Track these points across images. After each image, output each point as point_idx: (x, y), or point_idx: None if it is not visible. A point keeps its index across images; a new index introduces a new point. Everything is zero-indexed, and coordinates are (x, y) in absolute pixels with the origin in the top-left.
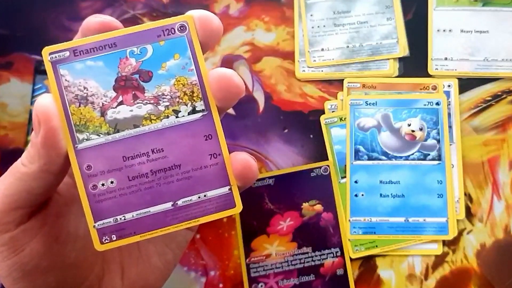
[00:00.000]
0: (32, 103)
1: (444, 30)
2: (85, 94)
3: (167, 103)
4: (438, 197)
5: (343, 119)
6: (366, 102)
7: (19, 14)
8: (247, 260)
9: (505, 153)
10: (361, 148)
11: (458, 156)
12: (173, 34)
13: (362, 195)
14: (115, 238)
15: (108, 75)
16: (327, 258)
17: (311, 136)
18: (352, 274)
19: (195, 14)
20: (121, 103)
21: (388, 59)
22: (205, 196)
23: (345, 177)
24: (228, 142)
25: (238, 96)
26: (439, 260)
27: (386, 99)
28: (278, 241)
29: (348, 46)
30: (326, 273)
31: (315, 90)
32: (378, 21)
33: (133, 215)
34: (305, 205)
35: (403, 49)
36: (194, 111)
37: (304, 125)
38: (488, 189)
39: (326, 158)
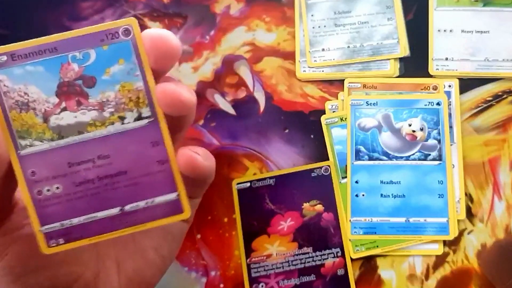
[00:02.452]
0: None
1: (444, 30)
2: (26, 100)
3: (112, 109)
4: (439, 197)
5: (343, 119)
6: (367, 102)
7: (19, 14)
8: (248, 260)
9: (506, 153)
10: (362, 148)
11: (459, 156)
12: (117, 38)
13: (363, 195)
14: (62, 242)
15: (49, 80)
16: (327, 258)
17: (312, 136)
18: (352, 274)
19: (147, 35)
20: (64, 109)
21: (389, 59)
22: (152, 202)
23: (345, 177)
24: (228, 142)
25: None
26: (440, 260)
27: (387, 99)
28: (278, 241)
29: (349, 46)
30: (327, 273)
31: (316, 90)
32: (379, 21)
33: (79, 220)
34: (305, 205)
35: (403, 49)
36: (140, 117)
37: (305, 125)
38: (489, 189)
39: (326, 158)
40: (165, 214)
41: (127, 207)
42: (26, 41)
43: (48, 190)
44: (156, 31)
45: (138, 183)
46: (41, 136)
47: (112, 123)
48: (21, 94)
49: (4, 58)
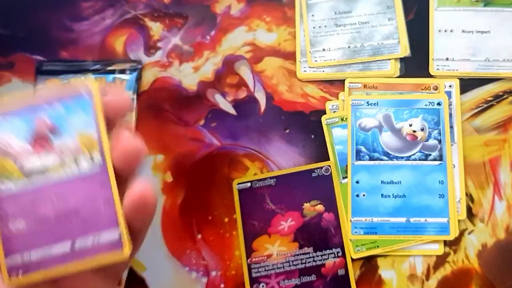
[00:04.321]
0: None
1: (445, 31)
2: (4, 148)
3: (70, 155)
4: (440, 197)
5: (344, 119)
6: (367, 102)
7: (20, 14)
8: (249, 260)
9: (507, 153)
10: (363, 148)
11: (459, 156)
12: (79, 94)
13: (364, 195)
14: (20, 275)
15: (23, 128)
16: (328, 258)
17: (313, 136)
18: (353, 274)
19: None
20: (32, 153)
21: (390, 59)
22: (98, 239)
23: (346, 177)
24: (229, 143)
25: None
26: (441, 260)
27: (387, 99)
28: (279, 241)
29: (349, 46)
30: (328, 273)
31: (316, 90)
32: (380, 21)
33: (37, 254)
34: (306, 205)
35: (404, 49)
36: (92, 162)
37: (306, 125)
38: (490, 189)
39: (327, 158)
40: (108, 251)
41: (77, 244)
42: (11, 98)
43: (12, 225)
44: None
45: (86, 221)
46: (9, 176)
47: (69, 167)
48: (1, 142)
49: None
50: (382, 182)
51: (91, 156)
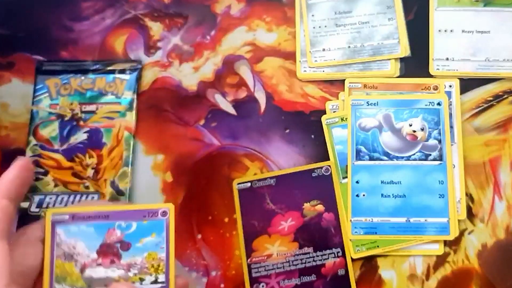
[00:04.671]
0: (33, 103)
1: (445, 31)
2: (72, 253)
3: (136, 271)
4: (440, 197)
5: (344, 119)
6: (367, 102)
7: (20, 14)
8: (249, 260)
9: (507, 153)
10: (363, 148)
11: (459, 156)
12: (156, 216)
13: (364, 195)
14: None
15: (95, 239)
16: (328, 258)
17: (313, 136)
18: (353, 274)
19: None
20: (99, 264)
21: (390, 59)
22: None
23: (346, 177)
24: (229, 143)
25: None
26: (441, 260)
27: (387, 99)
28: (279, 241)
29: (349, 46)
30: (328, 273)
31: (316, 90)
32: (380, 22)
33: None
34: (306, 205)
35: (404, 50)
36: (156, 281)
37: (306, 125)
38: (490, 189)
39: (327, 158)
40: None
41: None
42: (86, 206)
43: None
44: None
45: None
46: (74, 283)
47: (133, 282)
48: (70, 247)
49: (66, 217)
50: (382, 182)
51: (156, 277)
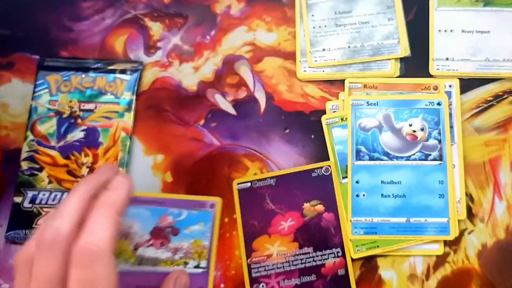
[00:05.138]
0: (33, 98)
1: (445, 30)
2: (128, 232)
3: (182, 255)
4: (440, 197)
5: (344, 119)
6: (367, 102)
7: (20, 14)
8: (249, 260)
9: (507, 153)
10: (363, 148)
11: (459, 156)
12: (204, 207)
13: (364, 195)
14: None
15: (149, 222)
16: (328, 258)
17: (312, 136)
18: (353, 274)
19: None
20: (151, 245)
21: (390, 59)
22: None
23: (346, 177)
24: (229, 142)
25: None
26: (441, 260)
27: (387, 99)
28: (279, 241)
29: (349, 46)
30: (327, 273)
31: (316, 90)
32: (380, 21)
33: None
34: (306, 205)
35: (404, 49)
36: (198, 266)
37: (305, 125)
38: (490, 189)
39: (327, 158)
40: None
41: None
42: (147, 192)
43: None
44: None
45: None
46: (127, 260)
47: (178, 265)
48: (126, 226)
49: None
50: (382, 182)
51: (198, 262)
